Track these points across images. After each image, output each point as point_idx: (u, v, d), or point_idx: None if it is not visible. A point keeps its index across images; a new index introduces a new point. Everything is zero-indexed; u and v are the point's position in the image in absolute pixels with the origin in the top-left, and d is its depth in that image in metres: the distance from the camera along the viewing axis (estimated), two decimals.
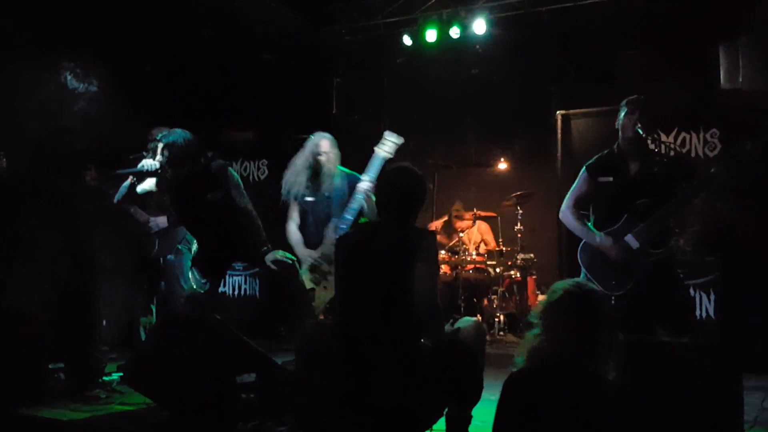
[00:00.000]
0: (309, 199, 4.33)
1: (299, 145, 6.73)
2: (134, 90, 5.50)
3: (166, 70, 5.98)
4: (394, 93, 8.27)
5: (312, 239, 4.35)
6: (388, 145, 4.12)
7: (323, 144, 4.27)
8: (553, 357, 2.21)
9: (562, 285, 2.33)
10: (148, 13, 5.59)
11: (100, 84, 5.40)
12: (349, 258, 2.90)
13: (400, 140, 4.13)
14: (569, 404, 2.13)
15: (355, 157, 4.57)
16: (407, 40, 7.43)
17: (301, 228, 4.38)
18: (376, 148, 4.13)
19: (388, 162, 4.07)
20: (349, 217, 4.06)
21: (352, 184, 4.17)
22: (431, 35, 7.18)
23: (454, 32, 7.09)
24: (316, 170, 4.27)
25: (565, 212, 3.97)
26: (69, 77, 5.20)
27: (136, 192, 4.47)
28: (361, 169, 4.20)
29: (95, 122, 5.27)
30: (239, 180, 4.17)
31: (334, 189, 4.26)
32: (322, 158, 4.25)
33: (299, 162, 4.35)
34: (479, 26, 6.99)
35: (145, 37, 5.66)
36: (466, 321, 3.07)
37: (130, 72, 5.61)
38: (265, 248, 4.05)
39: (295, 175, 4.37)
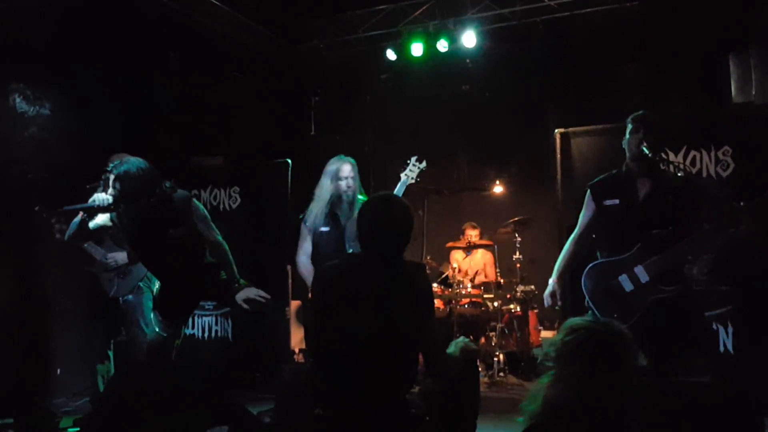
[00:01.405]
0: (323, 229, 4.32)
1: (274, 170, 6.78)
2: (92, 113, 5.48)
3: (127, 91, 5.97)
4: (377, 112, 8.32)
5: None
6: (412, 170, 4.40)
7: (345, 169, 4.29)
8: (572, 412, 2.03)
9: (581, 322, 2.14)
10: (108, 29, 5.59)
11: (54, 107, 5.38)
12: (332, 293, 2.82)
13: (423, 165, 4.45)
14: None
15: None
16: (391, 55, 7.49)
17: (317, 260, 4.33)
18: (401, 174, 4.37)
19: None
20: None
21: None
22: (417, 49, 7.24)
23: (442, 46, 7.16)
24: (336, 198, 4.28)
25: (568, 243, 4.02)
26: (18, 100, 5.18)
27: (88, 228, 4.40)
28: None
29: (48, 149, 5.24)
30: (205, 212, 4.14)
31: (350, 219, 4.25)
32: (343, 184, 4.26)
33: (321, 190, 4.35)
34: (469, 39, 7.06)
35: (104, 55, 5.65)
36: (454, 357, 3.02)
37: (87, 94, 5.60)
38: (236, 285, 4.01)
39: (319, 205, 4.36)
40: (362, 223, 2.86)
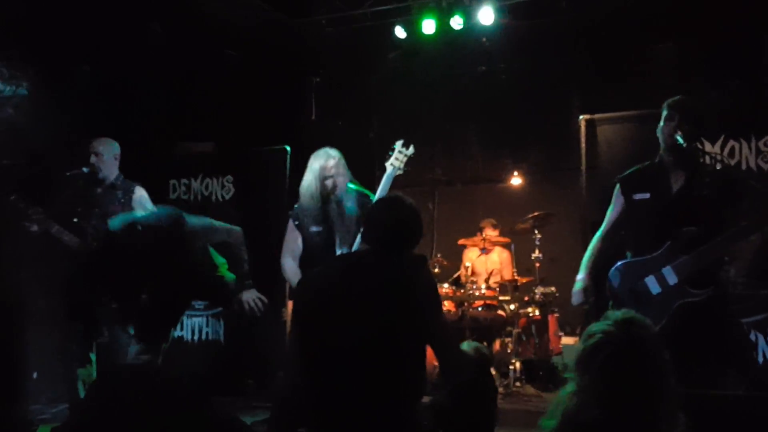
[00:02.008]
0: (314, 229, 4.29)
1: (271, 158, 6.78)
2: (71, 94, 5.50)
3: (108, 69, 5.98)
4: (384, 95, 8.31)
5: None
6: (398, 158, 4.24)
7: (329, 166, 4.23)
8: (594, 427, 2.01)
9: (600, 326, 2.13)
10: (88, 2, 5.61)
11: (31, 87, 5.40)
12: (319, 301, 2.78)
13: (410, 151, 4.27)
14: None
15: None
16: (400, 32, 7.47)
17: (306, 263, 4.31)
18: (387, 164, 4.24)
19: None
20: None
21: (363, 205, 4.16)
22: (429, 26, 7.22)
23: (456, 22, 7.14)
24: (322, 197, 4.25)
25: (594, 239, 4.02)
26: None
27: None
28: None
29: (23, 133, 5.26)
30: (202, 220, 4.19)
31: (339, 215, 4.23)
32: (329, 184, 4.22)
33: (305, 188, 4.31)
34: (486, 15, 7.03)
35: (83, 31, 5.66)
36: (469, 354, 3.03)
37: (65, 72, 5.61)
38: (241, 284, 4.05)
39: (306, 203, 4.32)
40: (369, 227, 2.92)
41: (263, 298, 4.10)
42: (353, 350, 2.62)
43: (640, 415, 2.03)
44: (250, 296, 4.04)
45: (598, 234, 4.05)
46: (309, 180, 4.28)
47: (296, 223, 4.35)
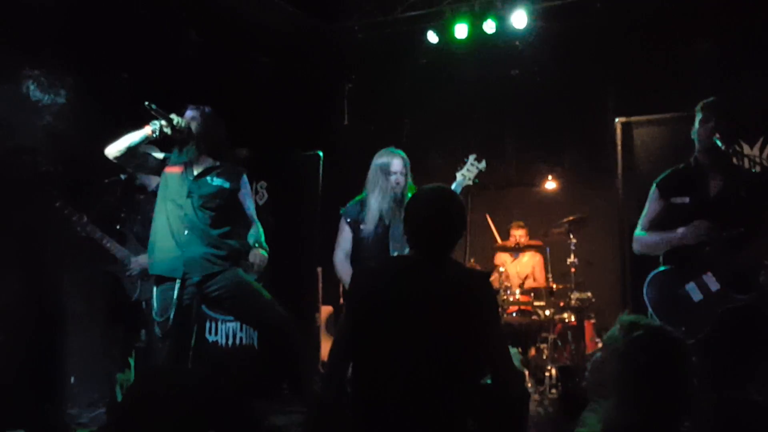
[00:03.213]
0: (367, 226, 4.34)
1: (305, 163, 6.82)
2: (109, 101, 5.57)
3: (145, 77, 6.06)
4: (416, 100, 8.32)
5: None
6: (470, 169, 4.39)
7: (395, 164, 4.32)
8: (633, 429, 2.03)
9: (640, 321, 2.19)
10: (126, 11, 5.70)
11: (69, 95, 5.48)
12: (374, 300, 2.74)
13: (482, 165, 4.44)
14: None
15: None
16: (432, 37, 7.49)
17: (354, 261, 4.37)
18: (458, 174, 4.37)
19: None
20: None
21: None
22: (461, 31, 7.23)
23: (489, 26, 7.14)
24: (383, 195, 4.32)
25: (637, 239, 3.95)
26: (32, 87, 5.28)
27: (140, 151, 4.38)
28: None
29: (62, 140, 5.34)
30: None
31: (396, 219, 4.27)
32: (392, 179, 4.30)
33: (369, 183, 4.40)
34: (519, 19, 7.03)
35: (122, 39, 5.75)
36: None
37: (103, 80, 5.69)
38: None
39: (364, 200, 4.40)
40: (409, 216, 2.86)
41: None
42: (409, 358, 2.59)
43: (670, 420, 2.06)
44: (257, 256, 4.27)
45: (644, 229, 3.91)
46: (372, 175, 4.37)
47: (348, 220, 4.40)
